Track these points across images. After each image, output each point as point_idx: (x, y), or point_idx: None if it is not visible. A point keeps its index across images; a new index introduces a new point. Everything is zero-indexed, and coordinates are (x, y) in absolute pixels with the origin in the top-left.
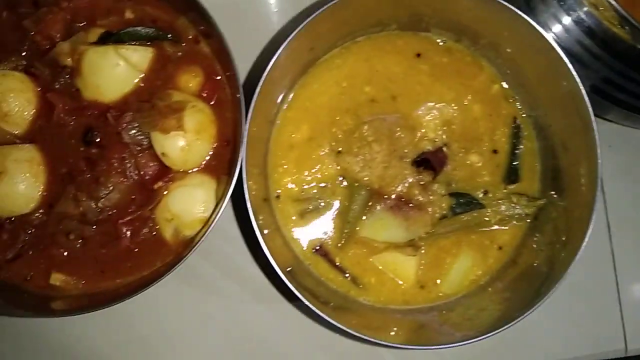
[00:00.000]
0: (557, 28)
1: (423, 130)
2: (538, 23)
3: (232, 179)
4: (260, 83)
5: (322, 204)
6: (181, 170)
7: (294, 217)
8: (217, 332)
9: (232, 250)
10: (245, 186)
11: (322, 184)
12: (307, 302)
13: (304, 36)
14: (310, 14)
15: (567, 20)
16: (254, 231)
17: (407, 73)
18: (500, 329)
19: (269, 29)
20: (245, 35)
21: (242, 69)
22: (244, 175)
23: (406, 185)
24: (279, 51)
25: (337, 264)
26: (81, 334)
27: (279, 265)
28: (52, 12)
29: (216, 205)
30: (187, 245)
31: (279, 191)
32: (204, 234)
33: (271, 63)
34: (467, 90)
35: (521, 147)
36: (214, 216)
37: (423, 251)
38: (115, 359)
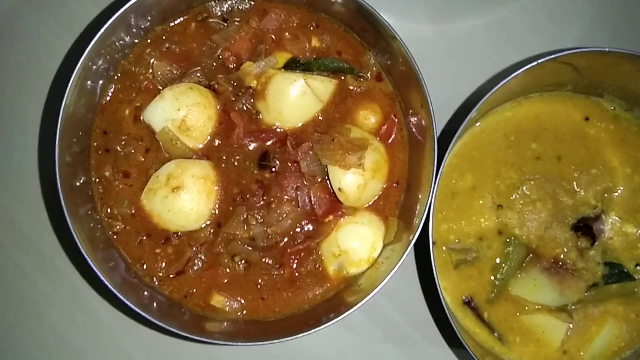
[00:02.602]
0: None
1: (584, 195)
2: None
3: (418, 227)
4: (453, 142)
5: (477, 256)
6: (352, 207)
7: (448, 266)
8: None
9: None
10: (431, 237)
11: (480, 236)
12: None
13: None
14: (511, 74)
15: None
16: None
17: (574, 135)
18: None
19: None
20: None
21: None
22: (431, 226)
23: (565, 249)
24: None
25: (485, 319)
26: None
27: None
28: (243, 31)
29: (383, 248)
30: (349, 282)
31: (435, 238)
32: (384, 279)
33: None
34: (630, 160)
35: None
36: (398, 261)
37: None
38: None
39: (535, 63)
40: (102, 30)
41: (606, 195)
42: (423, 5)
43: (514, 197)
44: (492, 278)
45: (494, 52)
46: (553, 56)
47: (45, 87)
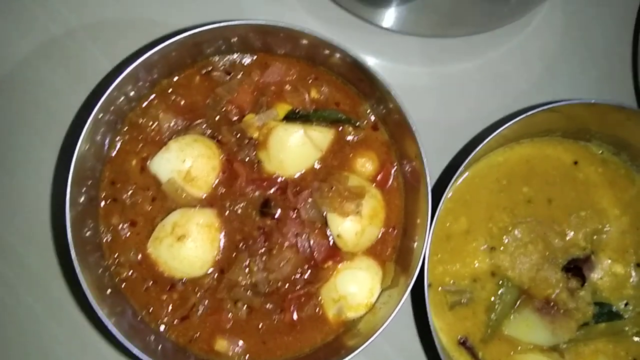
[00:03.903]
0: None
1: (574, 237)
2: None
3: (414, 272)
4: (448, 189)
5: (472, 297)
6: (350, 252)
7: (443, 307)
8: None
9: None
10: (426, 280)
11: (474, 277)
12: None
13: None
14: (503, 124)
15: None
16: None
17: (563, 178)
18: None
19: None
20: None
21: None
22: (426, 270)
23: (556, 289)
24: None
25: (480, 358)
26: None
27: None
28: (245, 83)
29: (381, 292)
30: (348, 326)
31: (430, 280)
32: (383, 324)
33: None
34: (618, 202)
35: None
36: (396, 307)
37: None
38: None
39: (525, 115)
40: (112, 87)
41: (595, 236)
42: (418, 50)
43: (505, 239)
44: (486, 318)
45: (486, 93)
46: (545, 107)
47: (58, 135)
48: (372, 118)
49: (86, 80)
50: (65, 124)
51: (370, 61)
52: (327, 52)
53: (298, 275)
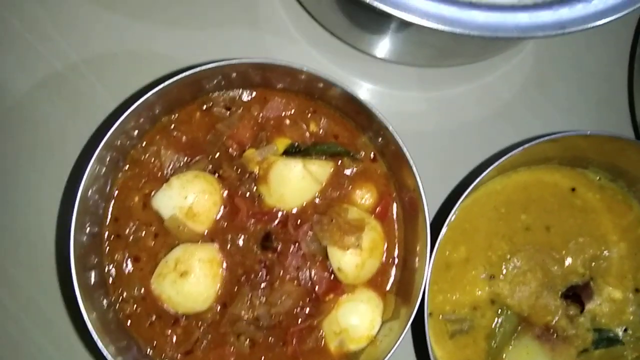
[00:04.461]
0: None
1: (572, 263)
2: None
3: (415, 304)
4: (448, 220)
5: (472, 325)
6: (351, 284)
7: (443, 335)
8: None
9: None
10: (426, 310)
11: (474, 306)
12: None
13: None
14: (501, 156)
15: None
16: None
17: (561, 205)
18: None
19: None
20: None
21: None
22: (426, 300)
23: (556, 317)
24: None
25: None
26: None
27: None
28: (245, 119)
29: (382, 324)
30: (350, 358)
31: (430, 309)
32: (384, 358)
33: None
34: (615, 227)
35: None
36: (397, 341)
37: None
38: None
39: (522, 147)
40: (113, 128)
41: (593, 263)
42: (415, 77)
43: (504, 267)
44: (487, 346)
45: (484, 118)
46: (542, 139)
47: (62, 172)
48: (371, 150)
49: (89, 117)
50: (69, 160)
51: (368, 88)
52: (324, 86)
53: (299, 309)
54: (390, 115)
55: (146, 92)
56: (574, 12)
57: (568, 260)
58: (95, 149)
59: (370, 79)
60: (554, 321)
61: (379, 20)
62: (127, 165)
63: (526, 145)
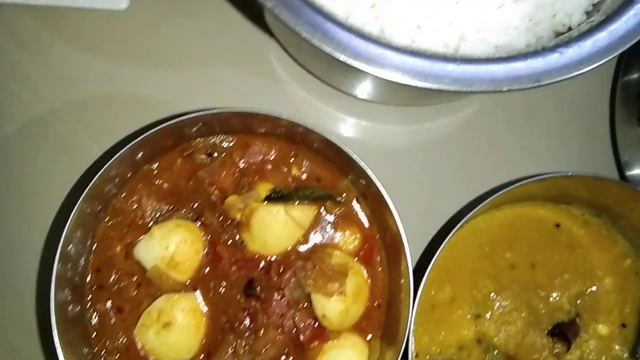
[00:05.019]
0: None
1: (558, 300)
2: None
3: (400, 348)
4: (433, 262)
5: None
6: (335, 330)
7: None
8: None
9: None
10: (411, 352)
11: (460, 345)
12: None
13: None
14: (486, 197)
15: None
16: None
17: (546, 242)
18: None
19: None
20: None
21: None
22: (411, 342)
23: (543, 354)
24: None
25: None
26: None
27: None
28: (227, 165)
29: None
30: None
31: (416, 350)
32: None
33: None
34: (600, 263)
35: None
36: None
37: None
38: None
39: (506, 189)
40: (95, 178)
41: (579, 300)
42: (398, 114)
43: (490, 306)
44: None
45: (468, 152)
46: (527, 181)
47: (45, 219)
48: (353, 193)
49: (72, 164)
50: (52, 207)
51: (353, 123)
52: (304, 130)
53: (284, 357)
54: (374, 148)
55: (129, 142)
56: (549, 64)
57: (554, 297)
58: (77, 201)
59: (354, 114)
60: (541, 359)
61: (355, 71)
62: (109, 214)
63: (511, 187)
